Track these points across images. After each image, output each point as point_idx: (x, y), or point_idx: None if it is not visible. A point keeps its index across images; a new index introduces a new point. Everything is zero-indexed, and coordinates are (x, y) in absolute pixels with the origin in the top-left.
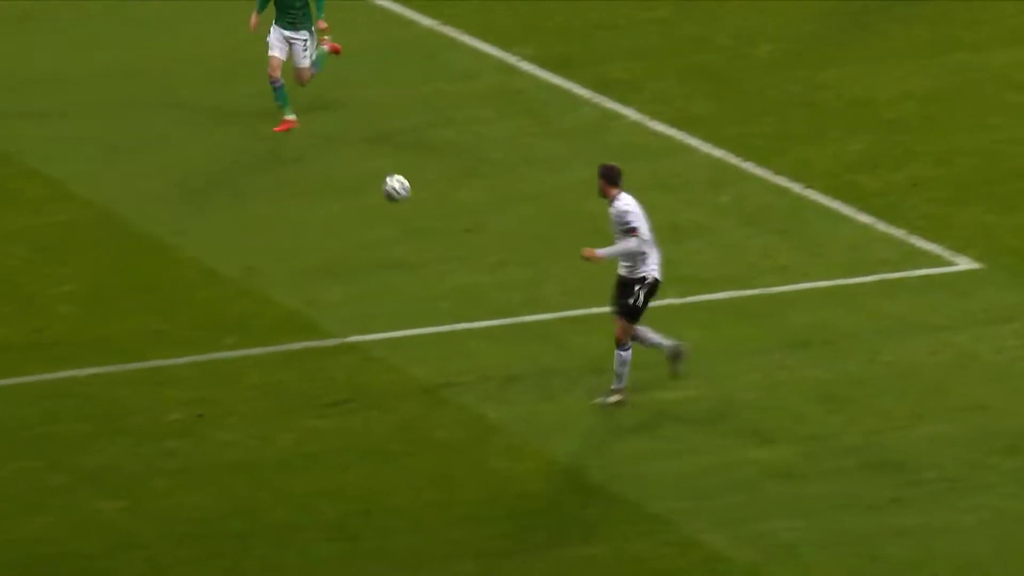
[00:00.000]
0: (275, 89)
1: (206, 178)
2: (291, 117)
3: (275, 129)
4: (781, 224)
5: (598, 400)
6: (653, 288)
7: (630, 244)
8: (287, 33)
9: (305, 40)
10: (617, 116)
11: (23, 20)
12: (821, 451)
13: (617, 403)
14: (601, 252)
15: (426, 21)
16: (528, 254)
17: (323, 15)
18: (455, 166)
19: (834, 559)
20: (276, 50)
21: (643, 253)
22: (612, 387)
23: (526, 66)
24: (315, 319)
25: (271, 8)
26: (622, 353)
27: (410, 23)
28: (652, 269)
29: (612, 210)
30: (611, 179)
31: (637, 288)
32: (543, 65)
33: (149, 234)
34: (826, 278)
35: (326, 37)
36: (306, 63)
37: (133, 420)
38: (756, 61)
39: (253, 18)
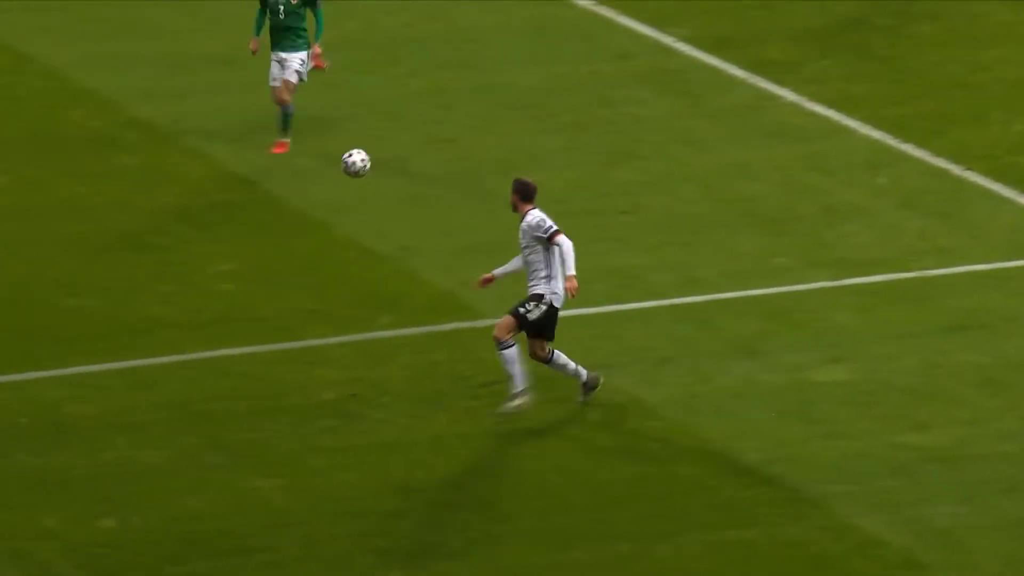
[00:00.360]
0: (283, 114)
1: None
2: (286, 143)
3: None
4: (940, 206)
5: (499, 410)
6: (551, 311)
7: (567, 245)
8: (283, 56)
9: (302, 59)
10: (773, 97)
11: (186, 1)
12: (979, 435)
13: (519, 405)
14: (572, 276)
15: (583, 2)
16: (683, 235)
17: (320, 40)
18: (611, 147)
19: (993, 544)
20: (278, 83)
21: (548, 275)
22: (511, 392)
23: (682, 46)
24: (468, 299)
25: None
26: (504, 352)
27: (567, 4)
28: (552, 291)
29: (524, 225)
30: (525, 196)
31: (533, 304)
32: (699, 46)
33: (307, 213)
34: (985, 261)
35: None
36: (294, 78)
37: (289, 399)
38: (916, 41)
39: (252, 43)
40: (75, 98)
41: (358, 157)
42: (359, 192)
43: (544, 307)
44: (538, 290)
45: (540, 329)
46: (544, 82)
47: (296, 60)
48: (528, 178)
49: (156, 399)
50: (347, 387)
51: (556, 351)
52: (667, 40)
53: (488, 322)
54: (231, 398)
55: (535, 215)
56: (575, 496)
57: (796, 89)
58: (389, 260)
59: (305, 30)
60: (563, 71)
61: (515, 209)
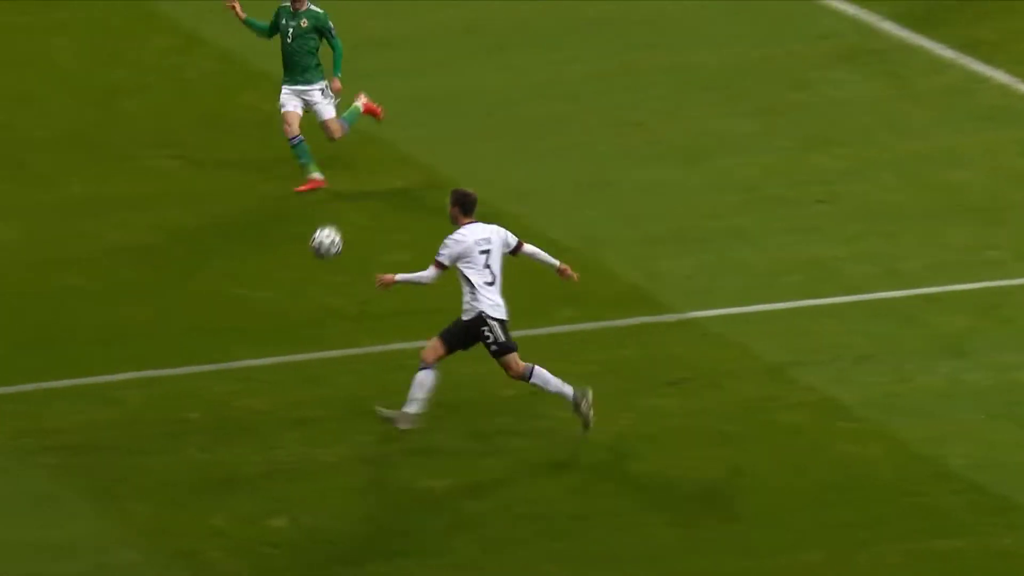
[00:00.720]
0: (294, 146)
1: (545, 143)
2: (318, 176)
3: (297, 189)
4: None
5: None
6: (501, 323)
7: (424, 275)
8: (300, 89)
9: (321, 90)
10: (984, 79)
11: None
12: None
13: (588, 414)
14: (399, 277)
15: None
16: (884, 225)
17: (339, 74)
18: (808, 131)
19: None
20: (290, 104)
21: (472, 289)
22: (580, 406)
23: (887, 25)
24: (655, 292)
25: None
26: (534, 379)
27: None
28: (485, 304)
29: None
30: (466, 208)
31: (484, 329)
32: (905, 24)
33: (486, 200)
34: None
35: (363, 95)
36: (331, 113)
37: (465, 395)
38: None
39: (238, 7)
40: (247, 81)
41: (325, 238)
42: (541, 179)
43: (494, 324)
44: (474, 312)
45: (464, 340)
46: (737, 63)
47: (316, 94)
48: (468, 188)
49: (328, 394)
50: (527, 384)
51: (431, 370)
52: (871, 19)
53: (676, 316)
54: (403, 394)
55: (456, 233)
56: (765, 502)
57: (1009, 70)
58: (572, 250)
59: (315, 58)
60: (757, 52)
61: (454, 222)
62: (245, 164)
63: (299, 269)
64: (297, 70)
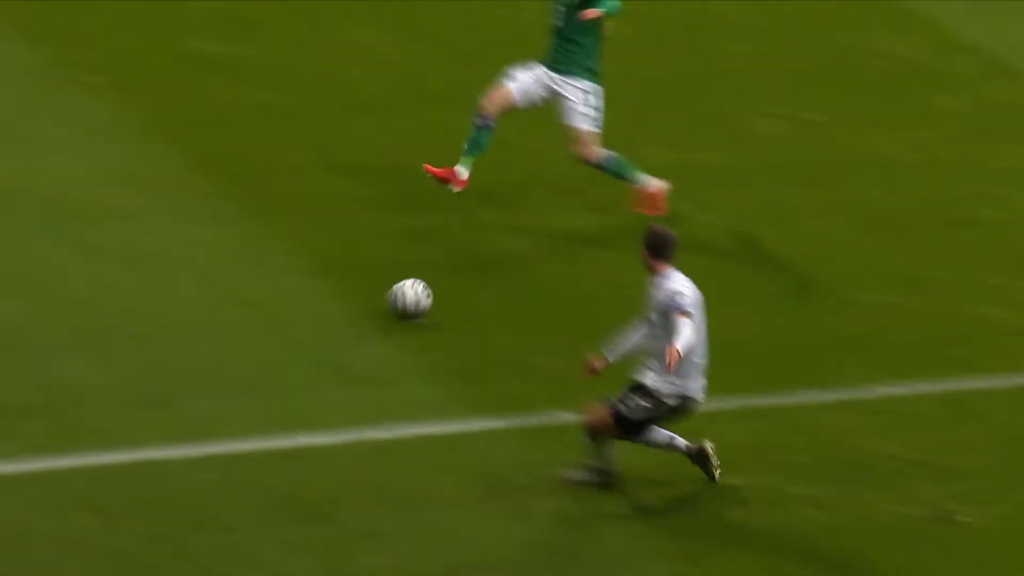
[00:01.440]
0: (476, 128)
1: None
2: (464, 175)
3: (428, 168)
4: None
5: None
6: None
7: (687, 333)
8: (556, 76)
9: (585, 92)
10: None
11: None
12: None
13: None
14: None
15: None
16: None
17: (605, 7)
18: None
19: None
20: (515, 81)
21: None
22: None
23: None
24: None
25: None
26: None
27: None
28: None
29: (657, 290)
30: (659, 252)
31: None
32: None
33: None
34: None
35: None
36: (583, 124)
37: None
38: None
39: None
40: (885, 17)
41: (412, 292)
42: None
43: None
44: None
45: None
46: None
47: (576, 92)
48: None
49: (983, 434)
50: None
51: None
52: None
53: None
54: None
55: (674, 280)
56: None
57: None
58: None
59: (594, 49)
60: None
61: (650, 266)
62: (880, 128)
63: (946, 267)
64: (560, 56)
